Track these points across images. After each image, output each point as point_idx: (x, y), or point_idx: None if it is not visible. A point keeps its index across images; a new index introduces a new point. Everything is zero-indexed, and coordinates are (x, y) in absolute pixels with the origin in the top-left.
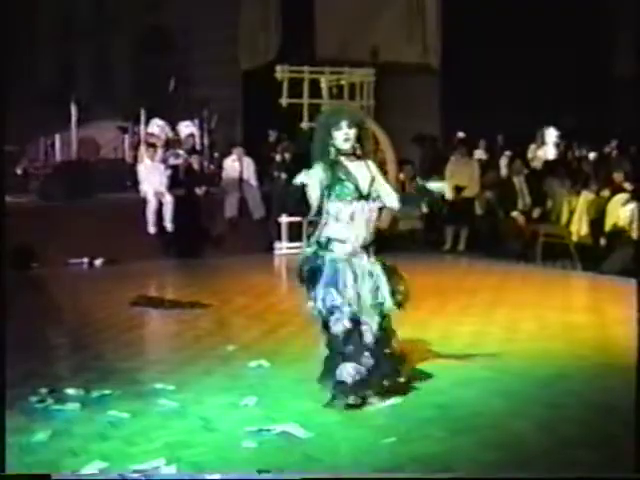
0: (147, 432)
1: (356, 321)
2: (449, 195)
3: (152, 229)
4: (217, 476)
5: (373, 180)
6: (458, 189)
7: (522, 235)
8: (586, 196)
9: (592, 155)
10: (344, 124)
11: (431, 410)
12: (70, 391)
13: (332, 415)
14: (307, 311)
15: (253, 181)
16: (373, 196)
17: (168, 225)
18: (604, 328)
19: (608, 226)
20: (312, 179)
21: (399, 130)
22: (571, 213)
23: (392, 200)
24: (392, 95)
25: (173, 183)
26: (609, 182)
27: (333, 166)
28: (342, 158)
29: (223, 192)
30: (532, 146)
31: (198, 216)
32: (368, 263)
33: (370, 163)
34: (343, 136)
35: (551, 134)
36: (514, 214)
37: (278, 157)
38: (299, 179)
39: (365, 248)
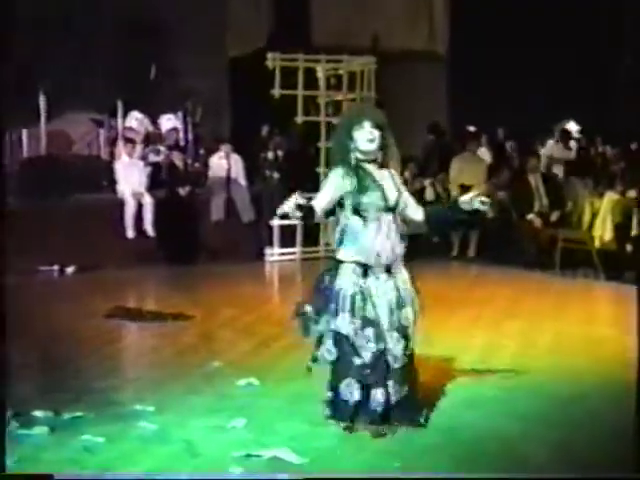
0: (125, 458)
1: (380, 348)
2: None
3: (130, 233)
4: (218, 476)
5: (399, 191)
6: (464, 188)
7: (538, 240)
8: (611, 197)
9: (617, 152)
10: (367, 124)
11: (437, 435)
12: (37, 413)
13: (328, 439)
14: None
15: (242, 181)
16: (400, 209)
17: (148, 229)
18: (629, 343)
19: (635, 231)
20: (328, 184)
21: (402, 124)
22: (594, 216)
23: (419, 215)
24: (395, 86)
25: (153, 183)
26: (636, 181)
27: (357, 172)
28: (365, 164)
29: (209, 193)
30: (550, 142)
31: (181, 219)
32: (390, 281)
33: (394, 172)
34: (367, 136)
35: (571, 128)
36: (530, 217)
37: (270, 154)
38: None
39: (388, 267)
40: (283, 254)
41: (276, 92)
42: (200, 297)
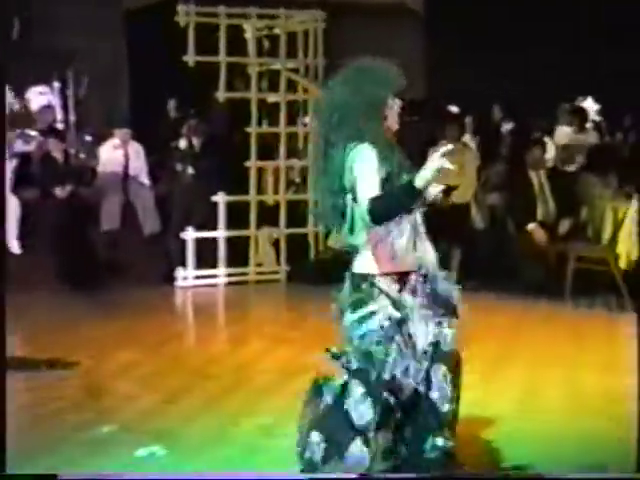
0: None
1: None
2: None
3: None
4: (217, 476)
5: None
6: (447, 191)
7: (544, 258)
8: None
9: None
10: (397, 92)
11: None
12: None
13: None
14: (224, 370)
15: (144, 178)
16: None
17: (13, 244)
18: None
19: None
20: (370, 166)
21: None
22: (618, 226)
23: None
24: (352, 51)
25: (21, 180)
26: None
27: (393, 152)
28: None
29: (98, 194)
30: (560, 127)
31: (59, 230)
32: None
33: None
34: (398, 110)
35: (589, 107)
36: (531, 227)
37: (182, 143)
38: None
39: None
40: (200, 277)
41: (190, 58)
42: (85, 336)
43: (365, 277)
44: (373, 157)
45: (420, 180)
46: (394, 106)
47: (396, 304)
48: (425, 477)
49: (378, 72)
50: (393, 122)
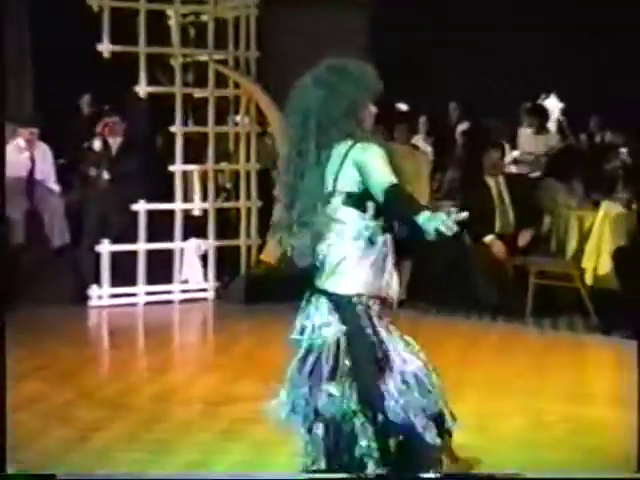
0: None
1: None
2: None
3: None
4: (217, 476)
5: None
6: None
7: (502, 274)
8: (609, 209)
9: (620, 140)
10: (374, 94)
11: None
12: None
13: None
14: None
15: (52, 184)
16: None
17: None
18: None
19: None
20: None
21: None
22: (584, 238)
23: None
24: (288, 42)
25: None
26: None
27: (389, 152)
28: None
29: None
30: (522, 129)
31: None
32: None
33: None
34: (373, 111)
35: (552, 108)
36: (488, 239)
37: (96, 143)
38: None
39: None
40: (117, 296)
41: (105, 48)
42: None
43: (350, 298)
44: (381, 152)
45: (424, 220)
46: (370, 108)
47: (375, 327)
48: (425, 477)
49: (354, 73)
50: (369, 125)
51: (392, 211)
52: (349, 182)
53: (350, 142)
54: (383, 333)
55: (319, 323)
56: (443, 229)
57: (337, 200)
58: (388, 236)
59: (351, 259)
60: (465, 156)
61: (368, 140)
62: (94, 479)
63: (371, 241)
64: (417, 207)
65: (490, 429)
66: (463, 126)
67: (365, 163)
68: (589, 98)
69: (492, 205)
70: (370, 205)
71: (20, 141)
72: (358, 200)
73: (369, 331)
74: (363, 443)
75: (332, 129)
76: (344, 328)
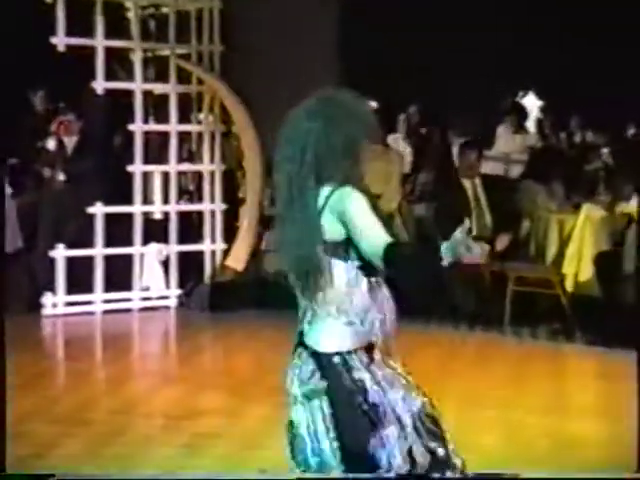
0: None
1: None
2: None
3: None
4: (217, 476)
5: None
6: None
7: (478, 280)
8: (591, 212)
9: (602, 140)
10: (371, 133)
11: None
12: None
13: None
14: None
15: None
16: None
17: None
18: (621, 445)
19: (629, 265)
20: (367, 210)
21: (267, 96)
22: (564, 242)
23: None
24: (254, 36)
25: None
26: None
27: (372, 199)
28: None
29: None
30: (501, 128)
31: None
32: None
33: None
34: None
35: (531, 106)
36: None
37: (50, 143)
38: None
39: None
40: (73, 304)
41: (60, 41)
42: None
43: (329, 357)
44: (365, 200)
45: (445, 255)
46: (367, 148)
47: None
48: (425, 477)
49: (353, 108)
50: (364, 166)
51: (398, 272)
52: (330, 230)
53: (330, 187)
54: (368, 382)
55: (304, 377)
56: (465, 252)
57: (320, 248)
58: (372, 279)
59: (332, 311)
60: (439, 157)
61: (346, 184)
62: (94, 479)
63: (354, 287)
64: (428, 257)
65: (461, 445)
66: (436, 128)
67: (349, 217)
68: (569, 97)
69: (468, 208)
70: (352, 251)
71: None
72: (342, 248)
73: (350, 385)
74: None
75: (332, 166)
76: (325, 384)
